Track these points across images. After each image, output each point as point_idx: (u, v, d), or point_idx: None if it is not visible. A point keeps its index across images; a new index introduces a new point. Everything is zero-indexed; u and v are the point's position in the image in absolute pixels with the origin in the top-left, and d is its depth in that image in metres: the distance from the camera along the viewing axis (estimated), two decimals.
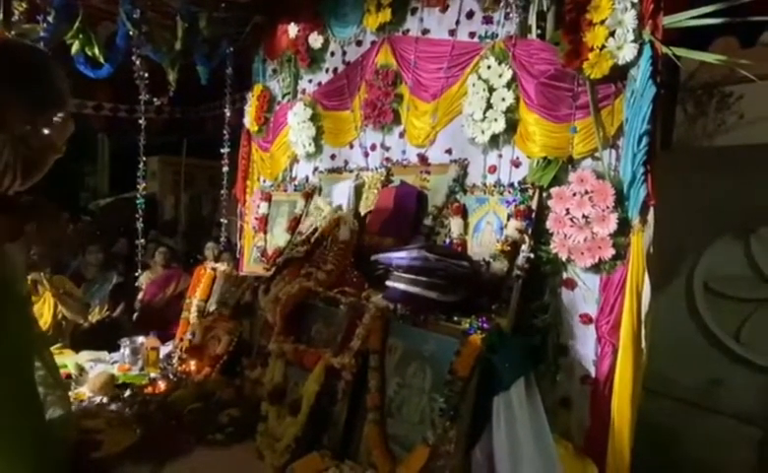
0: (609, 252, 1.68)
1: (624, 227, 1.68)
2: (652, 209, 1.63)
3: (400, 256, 1.94)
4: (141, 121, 3.48)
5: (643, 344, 1.63)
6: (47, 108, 1.35)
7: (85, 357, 2.97)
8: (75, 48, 2.81)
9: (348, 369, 1.78)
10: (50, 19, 2.64)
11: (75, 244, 4.61)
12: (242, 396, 2.25)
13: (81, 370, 2.71)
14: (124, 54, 2.95)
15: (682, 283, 2.81)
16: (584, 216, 1.73)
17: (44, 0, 2.64)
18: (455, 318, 1.69)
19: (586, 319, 1.78)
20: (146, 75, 3.07)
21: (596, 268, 1.74)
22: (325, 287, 2.24)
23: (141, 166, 3.58)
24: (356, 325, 1.86)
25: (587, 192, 1.74)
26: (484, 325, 1.58)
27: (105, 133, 7.46)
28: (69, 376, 2.58)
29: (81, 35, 2.77)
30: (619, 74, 1.69)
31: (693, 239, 2.79)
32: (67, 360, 2.83)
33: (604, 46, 1.67)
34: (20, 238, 1.47)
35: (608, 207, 1.68)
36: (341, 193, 2.81)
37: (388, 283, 1.94)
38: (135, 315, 4.40)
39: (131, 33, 2.84)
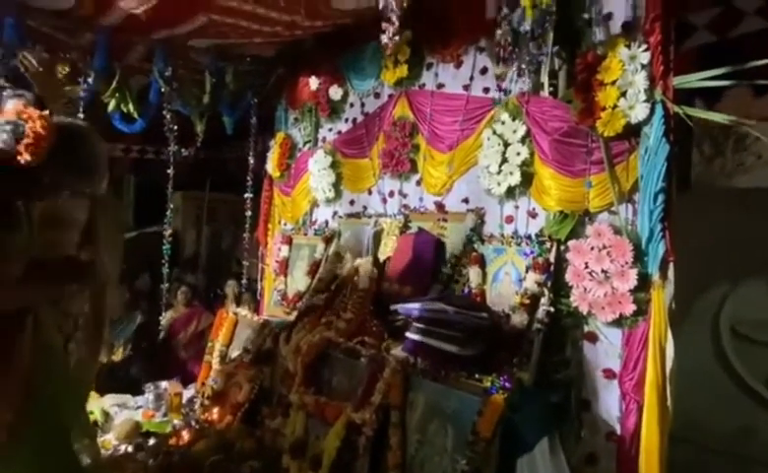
0: (630, 308, 1.68)
1: (644, 282, 1.68)
2: (672, 265, 1.63)
3: (419, 307, 1.97)
4: (169, 171, 3.63)
5: (669, 401, 1.61)
6: (92, 174, 1.51)
7: (110, 401, 3.03)
8: (111, 106, 3.01)
9: (368, 424, 1.79)
10: (90, 80, 2.84)
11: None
12: (263, 447, 2.26)
13: (106, 416, 2.77)
14: (156, 109, 3.12)
15: (707, 326, 2.76)
16: (603, 270, 1.74)
17: (85, 63, 2.84)
18: (476, 375, 1.70)
19: (609, 374, 1.76)
20: (175, 127, 3.23)
21: (617, 323, 1.73)
22: (345, 336, 2.26)
23: (168, 213, 3.71)
24: (377, 379, 1.88)
25: (605, 246, 1.75)
26: (506, 384, 1.58)
27: (132, 173, 7.75)
28: (96, 423, 2.64)
29: (117, 94, 2.97)
30: (632, 131, 1.72)
31: (717, 281, 2.75)
32: (93, 405, 2.89)
33: (616, 106, 1.71)
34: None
35: (626, 262, 1.69)
36: (359, 239, 2.87)
37: (407, 334, 1.96)
38: (156, 356, 4.47)
39: (163, 89, 3.02)
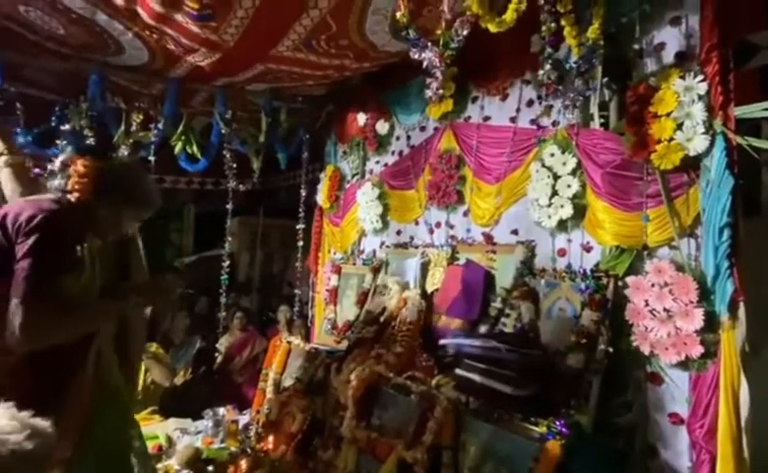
0: (698, 350, 1.59)
1: (712, 322, 1.59)
2: (742, 304, 1.53)
3: (470, 343, 1.96)
4: (228, 206, 3.85)
5: (746, 453, 1.49)
6: (146, 204, 1.71)
7: (172, 425, 3.21)
8: (178, 148, 3.29)
9: (420, 464, 1.78)
10: (160, 125, 3.12)
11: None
12: None
13: (170, 440, 2.93)
14: (216, 148, 3.36)
15: None
16: (665, 309, 1.66)
17: (156, 110, 3.13)
18: (531, 418, 1.66)
19: (676, 420, 1.66)
20: (234, 165, 3.46)
21: (683, 365, 1.64)
22: (395, 371, 2.28)
23: (227, 245, 3.93)
24: (428, 417, 1.88)
25: (666, 284, 1.68)
26: (563, 430, 1.53)
27: (193, 203, 8.28)
28: (160, 448, 2.80)
29: (183, 137, 3.24)
30: (691, 164, 1.65)
31: None
32: (158, 429, 3.08)
33: (672, 138, 1.65)
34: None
35: (691, 301, 1.61)
36: (407, 270, 2.90)
37: (458, 372, 1.95)
38: (214, 379, 4.68)
39: (223, 130, 3.25)
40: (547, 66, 1.69)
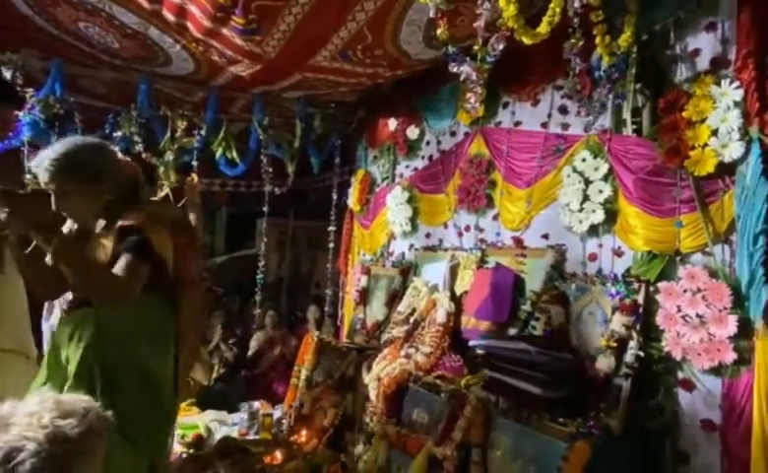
0: (731, 356, 1.59)
1: (746, 329, 1.58)
2: None
3: (500, 345, 2.00)
4: (264, 209, 4.00)
5: None
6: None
7: (210, 416, 3.36)
8: (218, 153, 3.47)
9: (450, 460, 1.84)
10: (202, 132, 3.30)
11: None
12: (347, 472, 2.39)
13: (209, 431, 3.08)
14: (254, 154, 3.52)
15: None
16: (698, 315, 1.67)
17: (199, 117, 3.31)
18: (560, 419, 1.69)
19: (708, 426, 1.66)
20: (270, 169, 3.61)
21: (716, 371, 1.64)
22: (424, 370, 2.34)
23: (262, 246, 4.07)
24: (458, 416, 1.93)
25: (699, 290, 1.68)
26: (593, 430, 1.56)
27: (226, 205, 8.55)
28: (200, 437, 2.95)
29: (223, 143, 3.41)
30: (726, 170, 1.66)
31: None
32: (197, 420, 3.24)
33: (706, 144, 1.66)
34: None
35: (724, 308, 1.61)
36: (436, 273, 2.95)
37: (488, 372, 2.00)
38: (246, 375, 4.84)
39: (261, 136, 3.40)
40: (574, 78, 1.71)
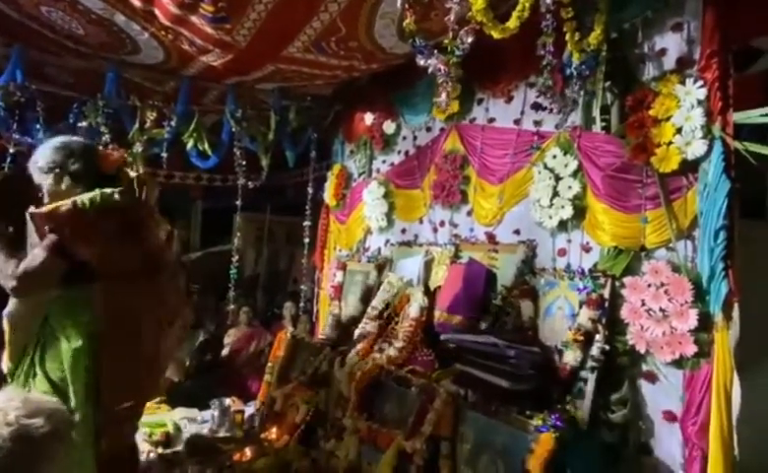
0: (691, 349, 1.63)
1: (706, 322, 1.63)
2: (737, 305, 1.57)
3: (470, 339, 2.01)
4: (238, 202, 3.93)
5: (736, 451, 1.53)
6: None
7: (179, 414, 3.28)
8: (190, 145, 3.38)
9: (419, 454, 1.84)
10: (173, 123, 3.21)
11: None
12: (318, 468, 2.36)
13: (177, 429, 3.01)
14: (227, 146, 3.44)
15: None
16: (661, 309, 1.70)
17: (170, 108, 3.22)
18: (527, 412, 1.71)
19: (669, 417, 1.70)
20: (243, 163, 3.54)
21: (677, 363, 1.68)
22: (397, 364, 2.34)
23: (236, 241, 4.00)
24: (428, 409, 1.93)
25: (663, 284, 1.72)
26: (558, 423, 1.58)
27: (201, 199, 8.37)
28: (168, 435, 2.87)
29: (194, 134, 3.32)
30: (690, 167, 1.69)
31: None
32: (166, 418, 3.16)
33: (671, 142, 1.69)
34: None
35: (686, 301, 1.65)
36: (411, 268, 2.95)
37: (458, 366, 2.00)
38: (218, 372, 4.75)
39: (233, 128, 3.33)
40: (546, 74, 1.73)
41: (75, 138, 1.82)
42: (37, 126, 3.00)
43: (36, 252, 1.47)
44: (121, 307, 1.59)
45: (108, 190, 1.56)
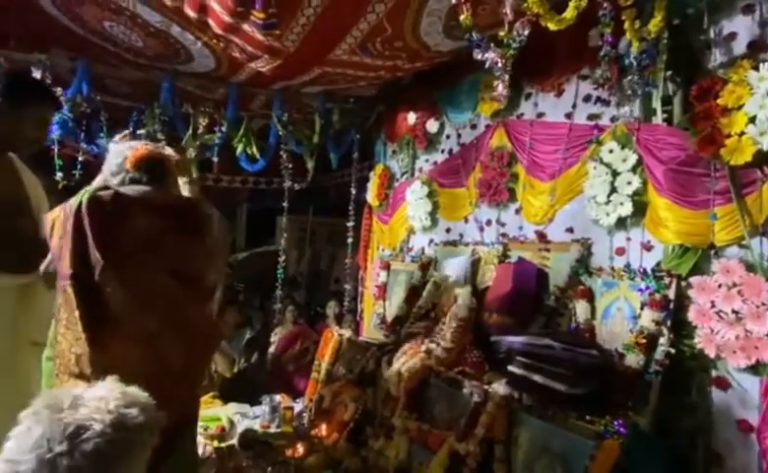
0: None
1: None
2: None
3: (522, 341, 1.96)
4: (284, 204, 4.03)
5: None
6: None
7: (232, 409, 3.41)
8: (239, 149, 3.50)
9: (473, 456, 1.81)
10: (223, 128, 3.34)
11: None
12: (367, 466, 2.38)
13: (231, 423, 3.12)
14: (274, 149, 3.55)
15: None
16: (734, 311, 1.60)
17: (220, 114, 3.35)
18: (587, 417, 1.65)
19: (746, 427, 1.59)
20: (290, 165, 3.63)
21: (753, 370, 1.57)
22: (445, 365, 2.32)
23: (283, 242, 4.10)
24: (480, 411, 1.90)
25: (735, 284, 1.61)
26: (621, 430, 1.51)
27: (246, 202, 8.66)
28: (223, 429, 2.99)
29: (243, 139, 3.44)
30: (765, 159, 1.57)
31: None
32: (220, 412, 3.29)
33: (743, 132, 1.58)
34: None
35: (762, 303, 1.54)
36: (457, 267, 2.92)
37: (510, 368, 1.96)
38: (266, 369, 4.90)
39: (280, 132, 3.42)
40: (604, 66, 1.66)
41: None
42: (101, 134, 3.19)
43: None
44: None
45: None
